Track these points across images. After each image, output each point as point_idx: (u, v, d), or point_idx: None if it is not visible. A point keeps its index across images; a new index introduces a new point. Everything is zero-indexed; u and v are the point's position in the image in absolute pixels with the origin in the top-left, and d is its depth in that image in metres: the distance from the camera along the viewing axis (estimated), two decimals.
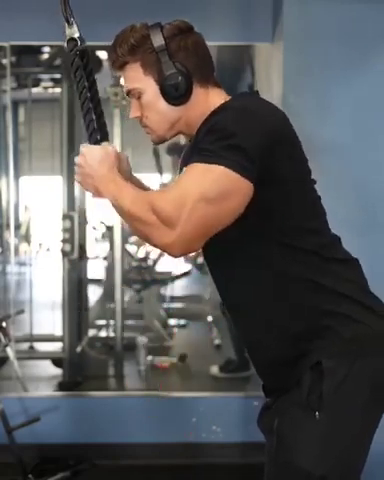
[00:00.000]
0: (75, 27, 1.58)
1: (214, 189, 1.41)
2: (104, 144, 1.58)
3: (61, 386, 4.36)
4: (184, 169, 1.62)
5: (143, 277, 5.82)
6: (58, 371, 4.64)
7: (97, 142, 1.58)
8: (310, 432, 1.48)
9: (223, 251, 1.57)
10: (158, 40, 1.54)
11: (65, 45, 1.59)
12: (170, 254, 1.46)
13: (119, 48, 1.57)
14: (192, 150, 1.53)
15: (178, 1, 3.38)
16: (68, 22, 1.57)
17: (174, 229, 1.41)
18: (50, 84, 5.23)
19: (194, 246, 1.46)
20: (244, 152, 1.41)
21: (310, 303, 1.53)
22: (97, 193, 1.54)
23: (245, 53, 5.14)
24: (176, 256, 1.47)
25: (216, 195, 1.41)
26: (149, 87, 1.57)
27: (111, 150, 1.56)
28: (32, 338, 4.98)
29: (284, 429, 1.52)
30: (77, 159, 1.56)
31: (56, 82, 5.04)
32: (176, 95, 1.55)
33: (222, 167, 1.40)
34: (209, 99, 1.58)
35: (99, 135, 1.58)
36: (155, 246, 1.48)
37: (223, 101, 1.55)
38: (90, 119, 1.58)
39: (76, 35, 1.58)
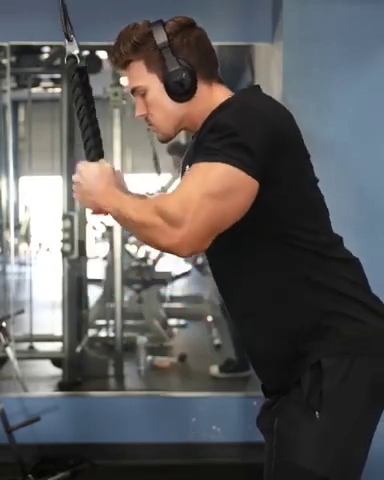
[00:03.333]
0: (75, 44, 1.58)
1: (218, 185, 1.40)
2: (101, 161, 1.57)
3: (61, 386, 4.36)
4: (186, 168, 1.63)
5: (143, 277, 5.82)
6: (58, 371, 4.64)
7: (94, 159, 1.57)
8: (310, 432, 1.48)
9: (224, 252, 1.57)
10: (161, 37, 1.53)
11: (65, 61, 1.58)
12: (178, 254, 1.44)
13: (122, 46, 1.56)
14: (195, 148, 1.53)
15: (178, 1, 3.38)
16: (68, 38, 1.57)
17: (180, 228, 1.40)
18: (50, 84, 5.23)
19: (202, 244, 1.44)
20: (247, 150, 1.40)
21: (310, 303, 1.53)
22: (97, 209, 1.53)
23: (245, 53, 5.14)
24: (185, 256, 1.45)
25: (220, 191, 1.40)
26: (153, 84, 1.56)
27: (108, 166, 1.55)
28: (32, 338, 4.98)
29: (284, 429, 1.52)
30: (75, 177, 1.55)
31: (56, 82, 5.04)
32: (181, 91, 1.55)
33: (225, 165, 1.40)
34: (213, 95, 1.58)
35: (96, 152, 1.57)
36: (163, 249, 1.46)
37: (226, 97, 1.55)
38: (88, 136, 1.57)
39: (75, 52, 1.58)
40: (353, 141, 3.21)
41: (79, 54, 1.57)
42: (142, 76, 1.57)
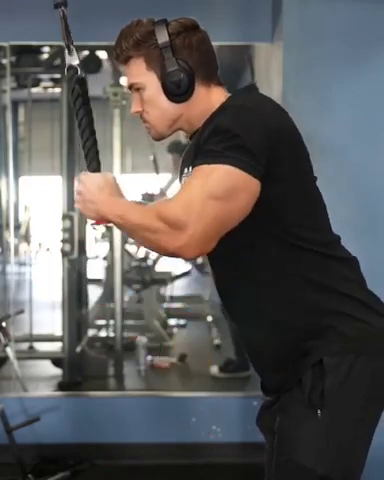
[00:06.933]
0: (75, 54, 1.60)
1: (221, 186, 1.41)
2: (103, 172, 1.59)
3: (61, 386, 4.35)
4: (185, 171, 1.63)
5: (143, 277, 5.82)
6: (58, 371, 4.64)
7: (96, 169, 1.59)
8: (312, 430, 1.49)
9: (225, 250, 1.57)
10: (163, 36, 1.54)
11: (65, 72, 1.60)
12: (184, 257, 1.45)
13: (124, 42, 1.58)
14: (195, 150, 1.54)
15: (178, 1, 3.38)
16: (68, 50, 1.59)
17: (184, 231, 1.40)
18: (50, 84, 5.23)
19: (206, 246, 1.45)
20: (248, 151, 1.42)
21: (311, 302, 1.54)
22: (99, 218, 1.53)
23: (245, 53, 5.14)
24: (190, 258, 1.46)
25: (224, 192, 1.41)
26: (151, 83, 1.57)
27: (110, 176, 1.57)
28: (32, 338, 4.98)
29: (285, 427, 1.52)
30: (77, 187, 1.56)
31: (56, 82, 5.04)
32: (178, 92, 1.56)
33: (227, 166, 1.41)
34: (211, 97, 1.58)
35: (98, 163, 1.59)
36: (169, 253, 1.46)
37: (225, 100, 1.56)
38: (89, 147, 1.59)
39: (76, 63, 1.59)
40: (353, 141, 3.21)
41: (79, 64, 1.59)
42: (141, 73, 1.58)
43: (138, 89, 1.60)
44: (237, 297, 1.63)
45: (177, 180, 1.75)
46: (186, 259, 1.47)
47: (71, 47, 1.59)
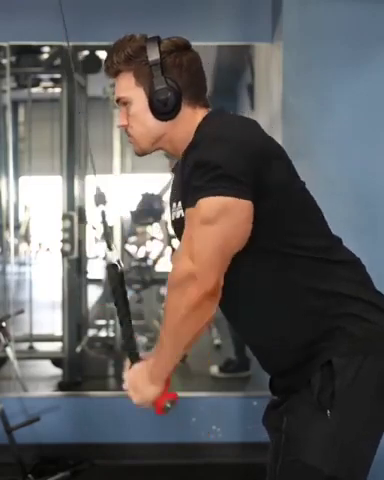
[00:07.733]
0: (116, 250, 1.64)
1: (211, 211, 1.42)
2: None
3: (61, 386, 4.36)
4: (173, 205, 1.65)
5: (143, 277, 5.82)
6: (58, 371, 4.64)
7: (136, 360, 1.62)
8: (321, 430, 1.48)
9: None
10: (154, 54, 1.55)
11: (109, 269, 1.63)
12: (211, 294, 1.42)
13: (115, 56, 1.59)
14: (181, 185, 1.55)
15: (178, 1, 3.38)
16: (109, 248, 1.63)
17: (195, 272, 1.40)
18: (50, 84, 5.23)
19: (218, 271, 1.43)
20: (232, 178, 1.42)
21: (316, 308, 1.53)
22: (160, 395, 1.56)
23: (245, 53, 5.14)
24: (215, 291, 1.43)
25: (215, 214, 1.41)
26: (138, 98, 1.58)
27: (142, 363, 1.59)
28: (32, 338, 4.98)
29: (293, 428, 1.52)
30: (126, 388, 1.60)
31: (56, 82, 5.05)
32: (164, 110, 1.56)
33: (213, 197, 1.42)
34: (196, 119, 1.59)
35: (137, 354, 1.63)
36: (207, 301, 1.43)
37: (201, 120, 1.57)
38: (129, 337, 1.66)
39: (116, 259, 1.62)
40: (353, 141, 3.21)
41: (118, 260, 1.63)
42: (129, 88, 1.59)
43: (125, 103, 1.61)
44: (238, 311, 1.62)
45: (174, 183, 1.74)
46: (214, 294, 1.43)
47: (113, 245, 1.64)
